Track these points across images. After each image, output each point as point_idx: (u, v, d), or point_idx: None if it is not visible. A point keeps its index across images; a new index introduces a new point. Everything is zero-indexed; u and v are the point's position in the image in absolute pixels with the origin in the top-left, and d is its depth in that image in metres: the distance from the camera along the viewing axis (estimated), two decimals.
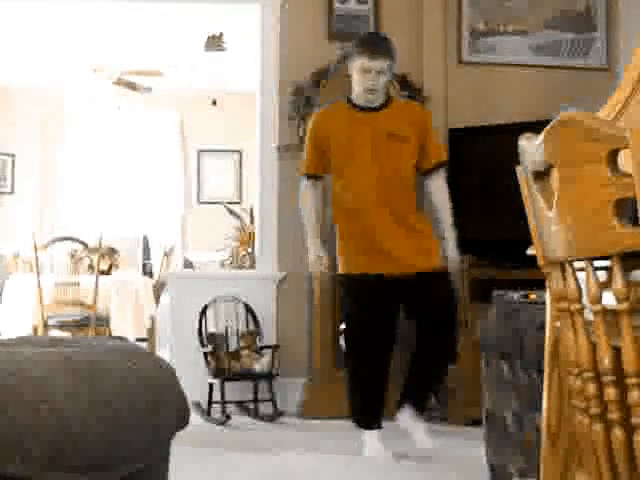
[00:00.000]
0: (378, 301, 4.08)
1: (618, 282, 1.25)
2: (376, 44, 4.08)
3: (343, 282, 4.23)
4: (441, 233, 4.18)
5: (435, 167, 4.21)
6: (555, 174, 1.36)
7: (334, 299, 5.25)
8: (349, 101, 4.18)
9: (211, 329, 5.31)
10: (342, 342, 4.60)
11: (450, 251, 4.16)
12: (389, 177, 4.09)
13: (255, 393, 5.18)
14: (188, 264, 8.74)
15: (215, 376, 5.09)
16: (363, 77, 4.04)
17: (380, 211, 4.06)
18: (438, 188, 4.22)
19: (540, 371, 2.33)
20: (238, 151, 9.76)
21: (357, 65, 4.05)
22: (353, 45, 4.13)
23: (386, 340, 4.12)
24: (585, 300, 1.34)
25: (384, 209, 4.06)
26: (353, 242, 4.14)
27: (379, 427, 4.11)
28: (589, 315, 1.33)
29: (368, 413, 4.13)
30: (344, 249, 4.16)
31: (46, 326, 6.33)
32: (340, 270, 4.18)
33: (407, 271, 4.05)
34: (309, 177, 4.22)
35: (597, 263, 1.32)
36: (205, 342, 5.22)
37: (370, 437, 4.10)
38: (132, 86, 8.28)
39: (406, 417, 4.11)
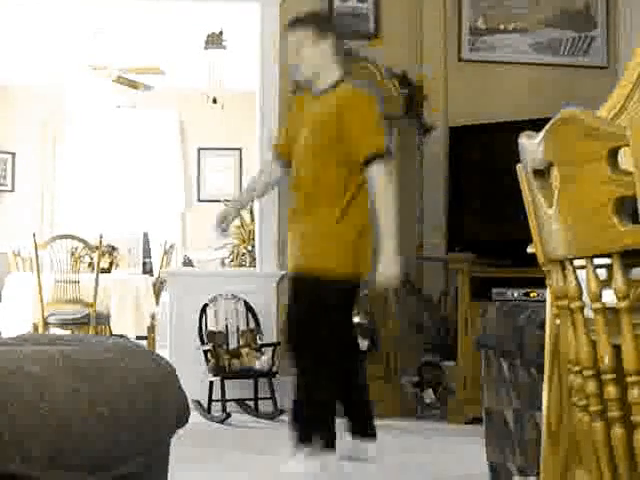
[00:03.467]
0: None
1: (618, 280, 1.25)
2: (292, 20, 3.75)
3: (344, 286, 3.66)
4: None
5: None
6: (555, 172, 1.36)
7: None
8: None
9: (211, 327, 5.31)
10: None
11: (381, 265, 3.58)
12: None
13: (255, 391, 5.19)
14: (188, 262, 8.73)
15: (215, 374, 5.09)
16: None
17: None
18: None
19: (540, 369, 2.33)
20: (238, 149, 9.76)
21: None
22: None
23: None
24: (585, 298, 1.34)
25: None
26: (369, 242, 3.71)
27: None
28: (589, 313, 1.33)
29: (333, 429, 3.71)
30: (365, 249, 3.67)
31: (46, 324, 6.34)
32: (347, 270, 3.61)
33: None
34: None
35: (597, 261, 1.32)
36: (205, 340, 5.22)
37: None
38: (132, 84, 8.27)
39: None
